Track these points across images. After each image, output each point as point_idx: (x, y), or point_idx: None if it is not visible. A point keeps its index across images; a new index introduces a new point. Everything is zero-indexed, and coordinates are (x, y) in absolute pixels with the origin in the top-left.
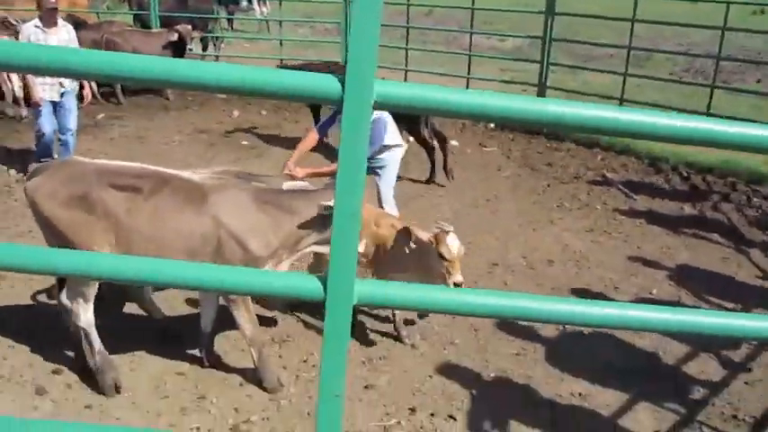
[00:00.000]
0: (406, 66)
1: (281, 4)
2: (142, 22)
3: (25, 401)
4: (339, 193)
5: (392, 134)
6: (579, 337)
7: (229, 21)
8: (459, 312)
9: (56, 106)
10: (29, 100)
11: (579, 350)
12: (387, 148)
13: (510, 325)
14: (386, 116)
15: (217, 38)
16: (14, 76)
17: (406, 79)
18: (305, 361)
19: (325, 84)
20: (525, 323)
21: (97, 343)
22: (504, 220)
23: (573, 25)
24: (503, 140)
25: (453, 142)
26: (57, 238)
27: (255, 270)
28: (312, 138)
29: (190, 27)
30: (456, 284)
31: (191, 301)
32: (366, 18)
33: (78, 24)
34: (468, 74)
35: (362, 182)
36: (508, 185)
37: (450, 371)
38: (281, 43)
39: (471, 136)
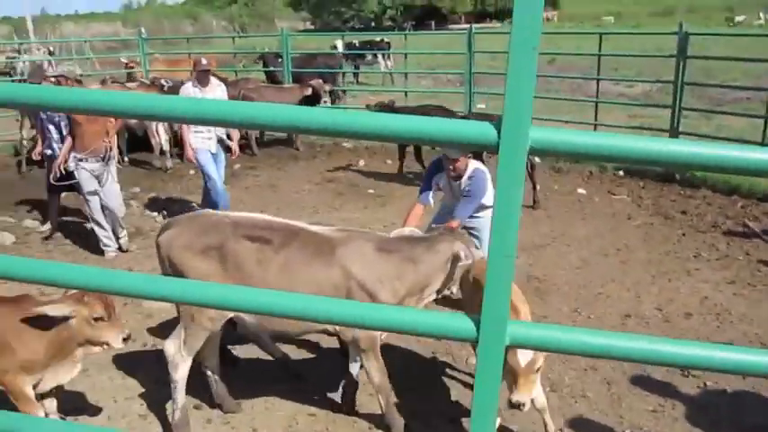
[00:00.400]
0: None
1: (406, 56)
2: (273, 79)
3: None
4: (495, 235)
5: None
6: (721, 394)
7: (355, 75)
8: (615, 357)
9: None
10: (181, 152)
11: (722, 408)
12: (485, 207)
13: (646, 379)
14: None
15: (343, 91)
16: (162, 130)
17: None
18: (435, 409)
19: (482, 131)
20: (662, 378)
21: (182, 399)
22: (635, 271)
23: (704, 68)
24: (633, 188)
25: (580, 190)
26: None
27: (410, 309)
28: (419, 209)
29: (322, 81)
30: (512, 404)
31: (313, 346)
32: (523, 65)
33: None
34: (596, 120)
35: (516, 224)
36: (639, 234)
37: (581, 425)
38: (405, 94)
39: (599, 184)
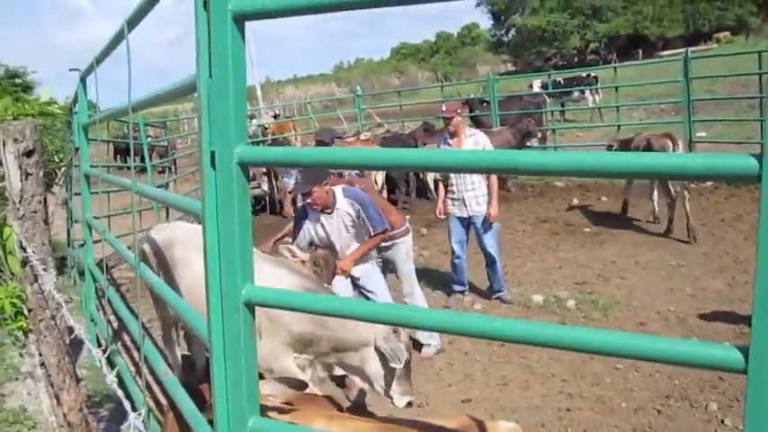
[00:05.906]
0: (761, 139)
1: (616, 90)
2: (479, 123)
3: None
4: (763, 264)
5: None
6: None
7: (561, 112)
8: None
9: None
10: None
11: None
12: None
13: None
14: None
15: (552, 130)
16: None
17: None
18: None
19: (741, 162)
20: None
21: None
22: None
23: None
24: None
25: None
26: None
27: (670, 339)
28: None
29: (531, 121)
30: None
31: None
32: None
33: (426, 130)
34: None
35: None
36: None
37: None
38: (618, 128)
39: None
